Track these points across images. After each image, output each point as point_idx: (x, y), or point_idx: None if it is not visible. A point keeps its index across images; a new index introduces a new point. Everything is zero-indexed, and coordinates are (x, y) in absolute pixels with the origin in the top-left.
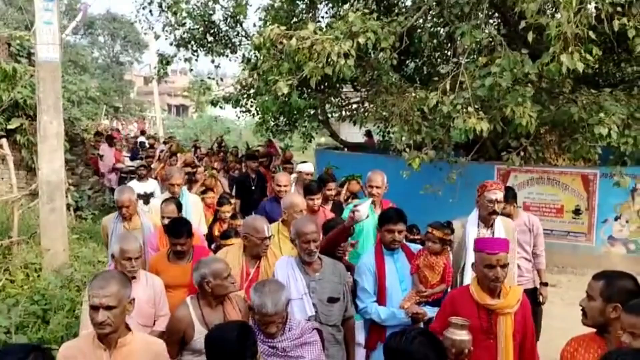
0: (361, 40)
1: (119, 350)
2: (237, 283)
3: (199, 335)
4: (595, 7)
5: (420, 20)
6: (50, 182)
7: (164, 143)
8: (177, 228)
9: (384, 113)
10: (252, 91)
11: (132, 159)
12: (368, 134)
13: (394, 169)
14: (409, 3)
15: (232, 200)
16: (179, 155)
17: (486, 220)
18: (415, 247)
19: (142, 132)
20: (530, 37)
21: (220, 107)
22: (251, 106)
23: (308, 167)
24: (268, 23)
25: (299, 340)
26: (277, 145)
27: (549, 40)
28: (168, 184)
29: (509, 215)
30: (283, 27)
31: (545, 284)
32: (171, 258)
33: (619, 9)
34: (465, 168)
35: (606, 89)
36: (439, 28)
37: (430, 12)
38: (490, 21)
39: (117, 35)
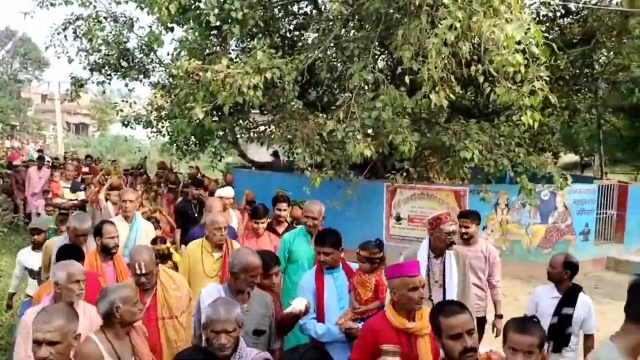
0: (268, 75)
1: None
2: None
3: None
4: (453, 53)
5: (321, 55)
6: None
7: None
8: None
9: (289, 136)
10: (163, 113)
11: (73, 190)
12: (275, 154)
13: (298, 186)
14: (309, 41)
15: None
16: (110, 178)
17: (438, 251)
18: (355, 266)
19: (40, 151)
20: (407, 79)
21: (132, 128)
22: (162, 127)
23: (228, 192)
24: (182, 53)
25: None
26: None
27: (421, 81)
28: (121, 201)
29: (471, 238)
30: (199, 62)
31: (500, 317)
32: None
33: (475, 57)
34: (359, 185)
35: (472, 119)
36: (336, 63)
37: (328, 51)
38: (378, 61)
39: (17, 52)
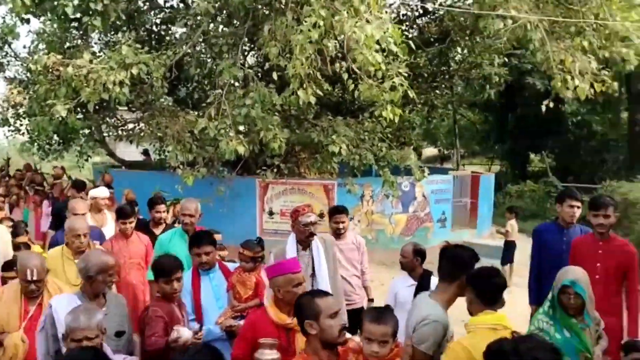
0: (134, 71)
1: None
2: (13, 326)
3: None
4: (319, 51)
5: (190, 51)
6: None
7: None
8: None
9: (159, 134)
10: (21, 110)
11: None
12: (145, 152)
13: (171, 184)
14: (178, 36)
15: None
16: None
17: (304, 242)
18: (232, 266)
19: None
20: (275, 75)
21: None
22: (21, 125)
23: (103, 192)
24: (40, 46)
25: None
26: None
27: (289, 78)
28: None
29: (340, 231)
30: (59, 56)
31: (372, 300)
32: None
33: (339, 54)
34: (232, 182)
35: (339, 116)
36: (206, 59)
37: (197, 46)
38: (248, 57)
39: None
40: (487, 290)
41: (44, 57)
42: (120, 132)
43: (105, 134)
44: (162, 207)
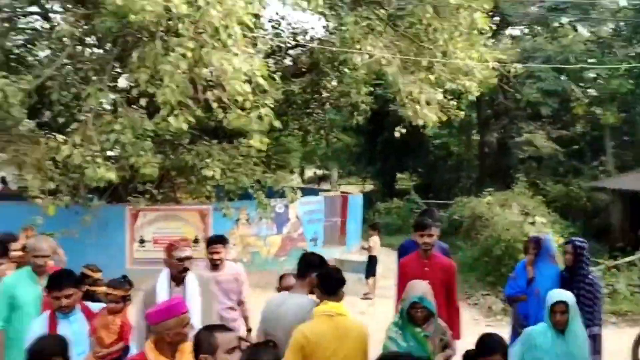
0: None
1: None
2: None
3: None
4: (191, 79)
5: (54, 74)
6: None
7: None
8: None
9: (17, 161)
10: None
11: None
12: (3, 180)
13: (32, 214)
14: (40, 58)
15: None
16: None
17: (177, 278)
18: (96, 307)
19: None
20: (143, 102)
21: None
22: None
23: None
24: None
25: None
26: None
27: (159, 104)
28: None
29: (216, 262)
30: None
31: (249, 330)
32: None
33: (211, 83)
34: (99, 210)
35: (215, 140)
36: (73, 82)
37: (62, 70)
38: (119, 81)
39: None
40: (327, 283)
41: None
42: None
43: None
44: (17, 245)
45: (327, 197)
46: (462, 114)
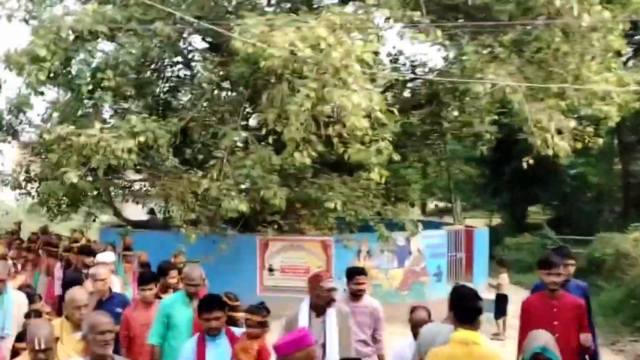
0: (142, 138)
1: None
2: None
3: None
4: (314, 116)
5: (195, 115)
6: None
7: None
8: None
9: (163, 194)
10: (32, 174)
11: None
12: (151, 211)
13: (175, 242)
14: (183, 101)
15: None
16: None
17: (319, 309)
18: (239, 331)
19: None
20: (270, 139)
21: None
22: (31, 188)
23: (109, 257)
24: (54, 115)
25: None
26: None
27: (286, 141)
28: None
29: (360, 293)
30: (72, 126)
31: None
32: None
33: (332, 119)
34: (233, 240)
35: (336, 173)
36: (210, 123)
37: (201, 112)
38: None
39: None
40: (462, 312)
41: (57, 128)
42: (126, 193)
43: (112, 195)
44: (174, 272)
45: (450, 230)
46: (600, 141)
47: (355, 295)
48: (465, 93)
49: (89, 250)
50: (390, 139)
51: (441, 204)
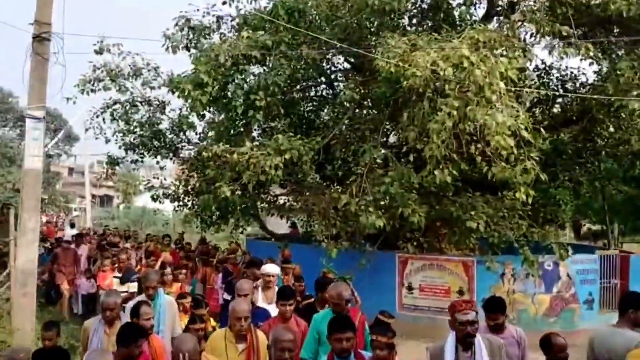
0: (287, 156)
1: None
2: None
3: None
4: (455, 134)
5: (336, 133)
6: (24, 271)
7: (127, 238)
8: (127, 335)
9: (306, 209)
10: (189, 188)
11: (123, 281)
12: (293, 225)
13: (316, 256)
14: (325, 120)
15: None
16: (163, 254)
17: (465, 342)
18: (368, 355)
19: (72, 225)
20: (410, 157)
21: (160, 202)
22: (188, 201)
23: (273, 269)
24: (210, 134)
25: None
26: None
27: (426, 159)
28: (145, 287)
29: (501, 327)
30: (226, 145)
31: None
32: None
33: (475, 137)
34: (372, 256)
35: (478, 192)
36: (351, 140)
37: (342, 130)
38: (390, 136)
39: (48, 128)
40: None
41: (214, 147)
42: (272, 207)
43: (258, 209)
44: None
45: (602, 255)
46: None
47: (493, 329)
48: (621, 109)
49: (255, 263)
50: (537, 157)
51: (596, 227)
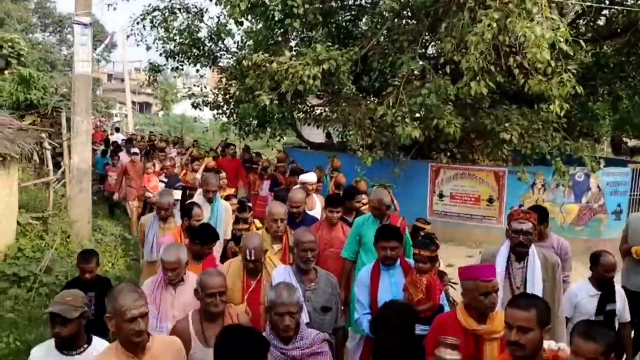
0: (325, 66)
1: (147, 355)
2: (237, 299)
3: (195, 350)
4: (494, 46)
5: (374, 44)
6: (80, 169)
7: (174, 144)
8: (208, 235)
9: (342, 119)
10: (227, 96)
11: (169, 185)
12: (328, 135)
13: (351, 165)
14: (363, 30)
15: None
16: (206, 159)
17: (518, 253)
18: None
19: (117, 130)
20: (448, 69)
21: (200, 109)
22: (227, 109)
23: (311, 177)
24: (248, 43)
25: (309, 350)
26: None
27: (463, 71)
28: (204, 190)
29: (541, 237)
30: (265, 54)
31: None
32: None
33: (513, 49)
34: (406, 165)
35: (515, 105)
36: (389, 52)
37: (380, 41)
38: (429, 48)
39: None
40: None
41: (254, 56)
42: (308, 116)
43: (295, 118)
44: (363, 196)
45: (635, 169)
46: None
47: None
48: None
49: (298, 171)
50: (576, 70)
51: (634, 142)
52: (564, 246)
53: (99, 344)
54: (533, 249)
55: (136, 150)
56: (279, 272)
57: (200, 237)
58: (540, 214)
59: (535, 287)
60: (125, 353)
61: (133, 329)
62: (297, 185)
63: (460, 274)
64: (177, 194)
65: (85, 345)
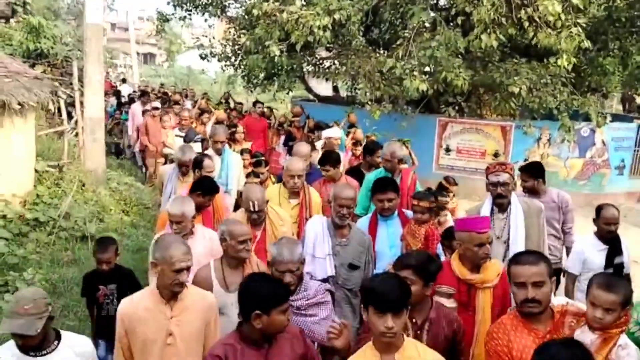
0: (336, 16)
1: (179, 304)
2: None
3: (217, 295)
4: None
5: None
6: (93, 118)
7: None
8: (210, 186)
9: (352, 72)
10: (236, 47)
11: (187, 141)
12: (335, 88)
13: (359, 118)
14: None
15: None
16: (216, 112)
17: (500, 204)
18: (410, 214)
19: (124, 81)
20: (459, 20)
21: (208, 61)
22: (235, 61)
23: (336, 132)
24: None
25: (312, 300)
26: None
27: (474, 23)
28: (212, 141)
29: (536, 192)
30: (276, 3)
31: None
32: None
33: (525, 1)
34: (414, 119)
35: (524, 59)
36: (399, 2)
37: None
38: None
39: None
40: None
41: (264, 4)
42: (317, 69)
43: (304, 71)
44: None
45: None
46: None
47: (528, 193)
48: None
49: (320, 126)
50: (587, 24)
51: None
52: (564, 199)
53: (68, 338)
54: (515, 199)
55: (157, 104)
56: (314, 220)
57: (202, 187)
58: (536, 170)
59: (518, 234)
60: (160, 298)
61: (177, 279)
62: (318, 142)
63: (456, 226)
64: (197, 147)
65: (56, 342)
